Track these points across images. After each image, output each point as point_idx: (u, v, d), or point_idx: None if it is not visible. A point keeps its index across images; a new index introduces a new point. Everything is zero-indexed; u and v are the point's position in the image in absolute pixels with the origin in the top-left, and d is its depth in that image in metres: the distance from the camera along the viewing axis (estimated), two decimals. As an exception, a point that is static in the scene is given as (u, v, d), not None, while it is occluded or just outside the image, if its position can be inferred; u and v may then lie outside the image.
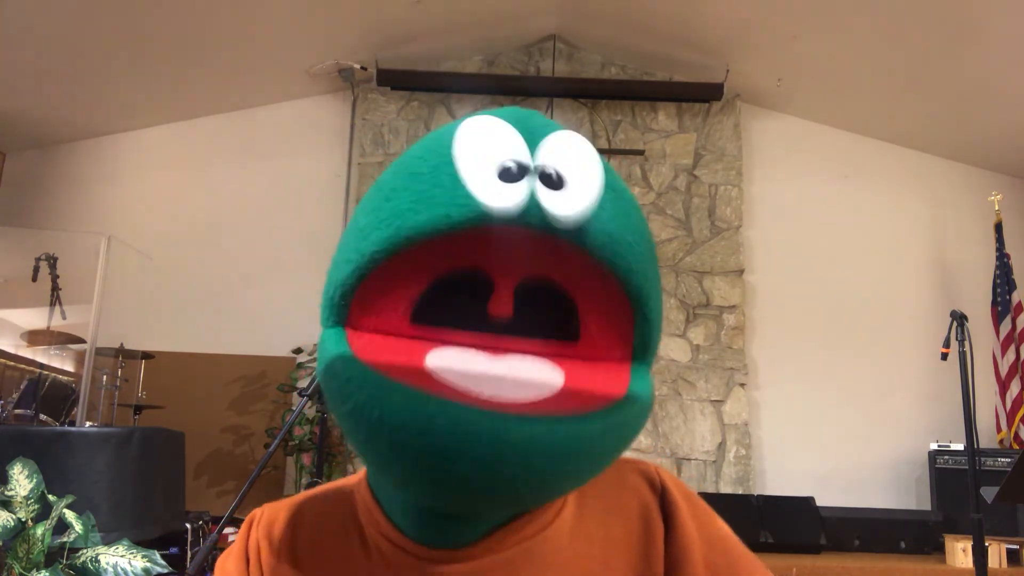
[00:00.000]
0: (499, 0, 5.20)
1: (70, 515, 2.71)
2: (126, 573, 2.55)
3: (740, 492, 5.11)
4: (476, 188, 0.56)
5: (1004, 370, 5.09)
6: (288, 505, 0.74)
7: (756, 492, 5.12)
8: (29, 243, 5.07)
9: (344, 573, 0.68)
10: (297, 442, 4.87)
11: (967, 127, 5.44)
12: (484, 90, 5.66)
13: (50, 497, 2.77)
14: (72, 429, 3.71)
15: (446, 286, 0.60)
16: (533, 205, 0.56)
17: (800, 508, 4.61)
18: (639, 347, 0.63)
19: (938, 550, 4.50)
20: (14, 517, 2.62)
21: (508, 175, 0.57)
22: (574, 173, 0.59)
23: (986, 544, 2.87)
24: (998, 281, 5.24)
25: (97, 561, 2.58)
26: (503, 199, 0.56)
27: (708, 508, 0.74)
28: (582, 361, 0.61)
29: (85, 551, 2.63)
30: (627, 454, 0.70)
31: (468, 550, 0.65)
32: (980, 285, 5.39)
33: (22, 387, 4.29)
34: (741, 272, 5.49)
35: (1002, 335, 5.14)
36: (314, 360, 5.22)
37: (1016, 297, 5.16)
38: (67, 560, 2.62)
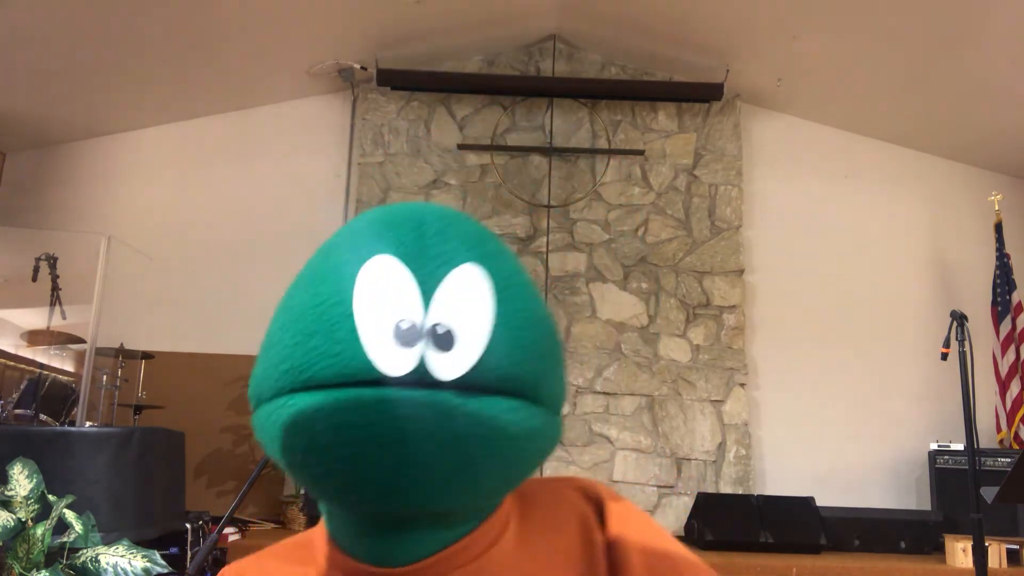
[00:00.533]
0: (499, 0, 5.20)
1: (70, 515, 2.71)
2: (126, 573, 2.55)
3: (740, 492, 5.11)
4: (373, 352, 0.61)
5: (1004, 370, 5.09)
6: (254, 561, 0.79)
7: (756, 492, 5.12)
8: (29, 243, 5.07)
9: None
10: (297, 442, 4.86)
11: (967, 127, 5.44)
12: (484, 90, 5.66)
13: (50, 497, 2.78)
14: (72, 429, 3.71)
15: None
16: (422, 367, 0.61)
17: (800, 508, 4.61)
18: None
19: (938, 550, 4.50)
20: (14, 517, 2.63)
21: (403, 337, 0.62)
22: (464, 327, 0.63)
23: (986, 544, 2.87)
24: (998, 281, 5.24)
25: (97, 561, 2.58)
26: (397, 366, 0.61)
27: (646, 515, 0.77)
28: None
29: (85, 551, 2.63)
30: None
31: (416, 568, 0.68)
32: (980, 285, 5.39)
33: (22, 387, 4.29)
34: (741, 272, 5.50)
35: (1002, 335, 5.14)
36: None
37: (1016, 297, 5.16)
38: (67, 560, 2.62)
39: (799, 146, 5.80)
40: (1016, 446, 4.94)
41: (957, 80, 4.99)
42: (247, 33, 5.04)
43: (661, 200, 5.59)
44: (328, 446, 0.61)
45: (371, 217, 0.71)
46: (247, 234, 5.61)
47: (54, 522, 2.69)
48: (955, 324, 3.04)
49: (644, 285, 5.46)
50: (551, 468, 5.03)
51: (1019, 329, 5.12)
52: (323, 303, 0.65)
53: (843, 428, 5.33)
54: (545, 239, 5.51)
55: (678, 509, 5.08)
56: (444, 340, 0.62)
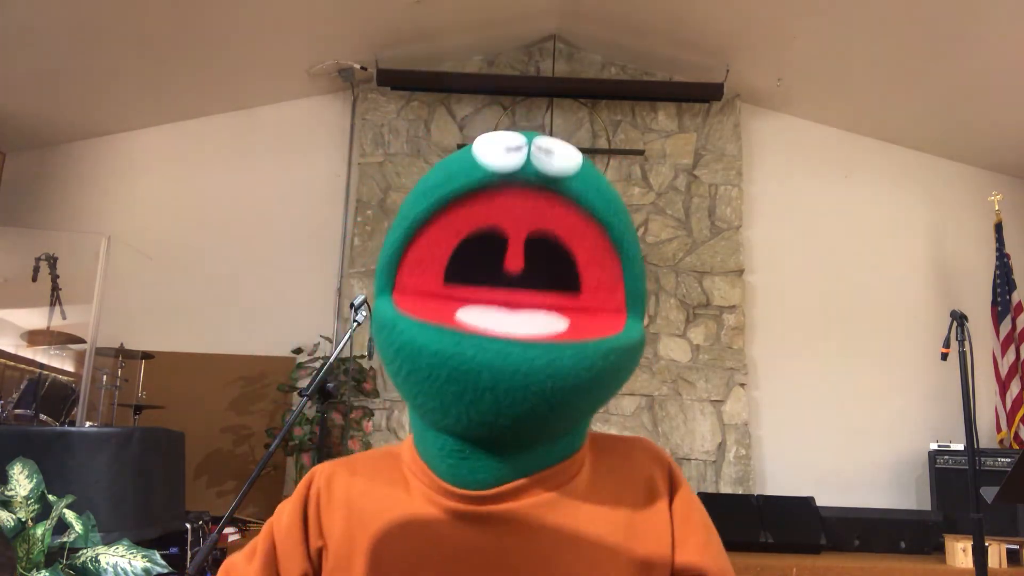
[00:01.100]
0: (499, 0, 5.20)
1: (70, 515, 2.71)
2: (126, 573, 2.55)
3: (740, 492, 5.11)
4: (486, 159, 0.76)
5: (1004, 370, 5.09)
6: (344, 461, 0.88)
7: (756, 492, 5.12)
8: (29, 243, 5.06)
9: (391, 513, 0.80)
10: (297, 442, 4.86)
11: (967, 127, 5.44)
12: (484, 90, 5.66)
13: (50, 497, 2.77)
14: (72, 429, 3.71)
15: (470, 249, 0.77)
16: (529, 165, 0.75)
17: (800, 508, 4.61)
18: (630, 298, 0.81)
19: (938, 550, 4.50)
20: (14, 517, 2.63)
21: (511, 149, 0.76)
22: (561, 149, 0.78)
23: (986, 544, 2.88)
24: (998, 281, 5.24)
25: (97, 561, 2.58)
26: (507, 162, 0.75)
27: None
28: (584, 312, 0.78)
29: (85, 551, 2.63)
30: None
31: (498, 492, 0.77)
32: (980, 285, 5.39)
33: (22, 387, 4.29)
34: (741, 272, 5.49)
35: (1002, 335, 5.14)
36: (313, 360, 5.25)
37: (1016, 297, 5.16)
38: (67, 560, 2.62)
39: (799, 146, 5.80)
40: (1016, 446, 4.94)
41: (957, 80, 4.99)
42: (247, 33, 5.04)
43: (661, 200, 5.59)
44: (430, 378, 0.72)
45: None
46: (247, 234, 5.61)
47: (54, 522, 2.69)
48: (955, 324, 3.04)
49: (644, 285, 5.45)
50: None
51: (1019, 329, 5.12)
52: (450, 157, 0.82)
53: (843, 428, 5.33)
54: (545, 239, 5.50)
55: (678, 509, 5.07)
56: (545, 151, 0.76)
